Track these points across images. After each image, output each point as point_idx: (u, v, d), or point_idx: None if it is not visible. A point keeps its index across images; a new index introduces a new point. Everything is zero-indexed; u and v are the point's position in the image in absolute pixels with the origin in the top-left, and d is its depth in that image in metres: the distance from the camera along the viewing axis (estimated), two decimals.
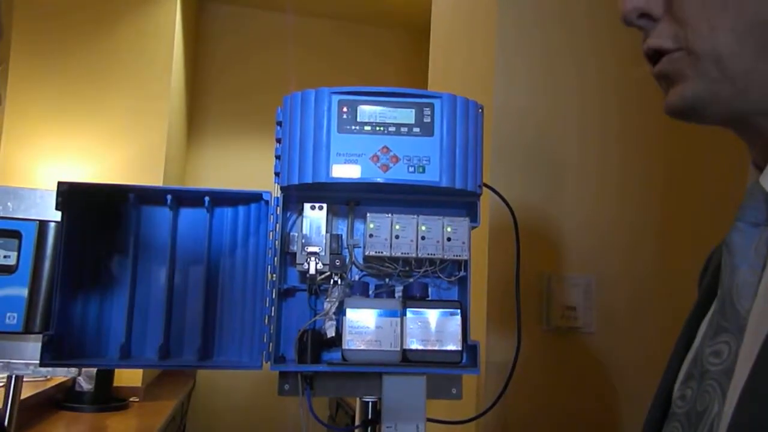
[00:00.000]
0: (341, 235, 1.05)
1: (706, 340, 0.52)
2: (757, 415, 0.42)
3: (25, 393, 1.86)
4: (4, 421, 1.39)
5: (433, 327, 0.97)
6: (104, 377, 2.50)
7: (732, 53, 0.48)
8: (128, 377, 2.75)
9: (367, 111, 0.97)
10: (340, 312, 0.98)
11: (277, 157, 1.00)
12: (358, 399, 1.05)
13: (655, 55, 0.53)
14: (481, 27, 1.65)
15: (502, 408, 1.37)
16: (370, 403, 1.02)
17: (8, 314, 1.17)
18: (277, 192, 1.02)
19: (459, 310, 0.98)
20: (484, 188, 1.03)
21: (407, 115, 0.97)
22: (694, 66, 0.50)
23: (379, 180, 0.95)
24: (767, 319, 0.44)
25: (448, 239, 1.01)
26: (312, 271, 1.00)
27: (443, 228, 1.01)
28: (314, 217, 1.02)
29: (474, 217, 1.03)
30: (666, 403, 0.56)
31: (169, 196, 1.05)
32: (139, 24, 3.10)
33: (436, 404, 1.02)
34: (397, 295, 1.04)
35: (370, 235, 1.00)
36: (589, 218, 1.52)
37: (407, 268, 1.04)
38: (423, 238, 1.01)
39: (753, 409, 0.42)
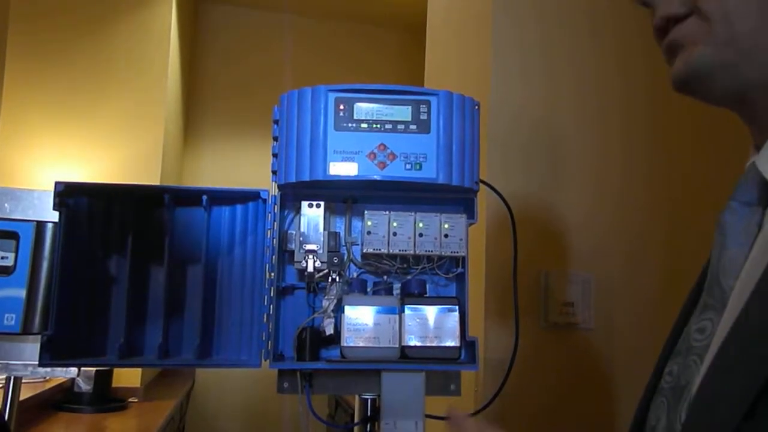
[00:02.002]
0: (339, 233, 1.05)
1: (695, 317, 0.53)
2: (720, 386, 0.43)
3: (24, 394, 1.86)
4: (4, 416, 1.39)
5: (432, 323, 0.97)
6: (103, 378, 2.51)
7: (740, 11, 0.48)
8: (127, 378, 2.75)
9: (364, 108, 0.97)
10: (339, 309, 0.98)
11: (275, 156, 1.00)
12: (357, 396, 1.05)
13: (665, 27, 0.53)
14: (477, 22, 1.65)
15: (500, 404, 1.37)
16: (369, 400, 1.03)
17: (6, 315, 1.17)
18: (274, 190, 1.02)
19: (457, 307, 0.99)
20: (481, 185, 1.03)
21: (404, 113, 0.97)
22: (704, 30, 0.50)
23: (376, 177, 0.95)
24: (746, 297, 0.45)
25: (446, 236, 1.01)
26: (310, 268, 1.00)
27: (440, 225, 1.01)
28: (312, 215, 1.02)
29: (471, 214, 1.03)
30: (659, 378, 0.57)
31: (166, 196, 1.05)
32: (135, 24, 3.10)
33: (435, 401, 1.02)
34: (395, 292, 1.04)
35: (368, 233, 1.00)
36: (588, 214, 1.53)
37: (405, 265, 1.04)
38: (420, 235, 1.01)
39: (717, 380, 0.43)
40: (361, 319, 0.96)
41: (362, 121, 0.97)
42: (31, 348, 1.36)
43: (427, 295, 1.03)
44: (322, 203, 1.03)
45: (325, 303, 1.01)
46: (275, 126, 1.01)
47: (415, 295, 1.01)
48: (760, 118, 0.52)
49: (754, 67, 0.49)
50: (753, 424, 0.39)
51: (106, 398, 2.53)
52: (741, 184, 0.51)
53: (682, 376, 0.51)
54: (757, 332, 0.42)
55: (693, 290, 0.59)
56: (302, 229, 1.01)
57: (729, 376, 0.42)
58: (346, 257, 1.05)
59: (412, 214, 1.02)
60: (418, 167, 0.96)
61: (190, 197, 1.07)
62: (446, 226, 1.01)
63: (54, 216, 1.01)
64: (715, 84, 0.51)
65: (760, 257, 0.46)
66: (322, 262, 1.00)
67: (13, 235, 1.15)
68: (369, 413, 1.02)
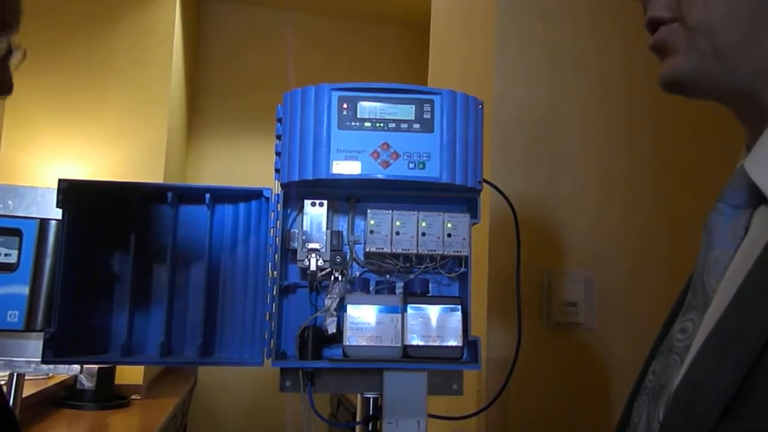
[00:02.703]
0: (342, 232, 1.05)
1: (678, 317, 0.54)
2: (698, 386, 0.43)
3: (27, 391, 1.87)
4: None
5: (434, 323, 0.97)
6: (106, 375, 2.51)
7: (725, 27, 0.48)
8: (130, 375, 2.76)
9: (367, 107, 0.97)
10: (341, 308, 0.98)
11: (278, 154, 1.00)
12: (359, 395, 1.05)
13: (653, 26, 0.54)
14: (480, 20, 1.65)
15: (503, 404, 1.37)
16: (371, 400, 1.03)
17: (9, 312, 1.17)
18: (277, 189, 1.02)
19: (460, 306, 0.99)
20: (485, 184, 1.03)
21: (407, 111, 0.97)
22: (687, 39, 0.50)
23: (380, 176, 0.95)
24: (728, 298, 0.45)
25: (449, 235, 1.01)
26: (313, 267, 1.00)
27: (444, 224, 1.01)
28: (315, 213, 1.02)
29: (474, 213, 1.03)
30: (643, 378, 0.57)
31: (169, 194, 1.05)
32: (139, 22, 3.10)
33: (437, 400, 1.02)
34: (397, 291, 1.04)
35: (371, 232, 1.00)
36: (591, 213, 1.52)
37: (408, 265, 1.04)
38: (423, 234, 1.01)
39: (695, 380, 0.44)
40: (364, 318, 0.96)
41: (365, 119, 0.96)
42: (34, 345, 1.36)
43: (430, 294, 1.03)
44: (325, 202, 1.03)
45: (327, 302, 1.01)
46: (278, 124, 1.01)
47: (417, 294, 1.01)
48: (748, 119, 0.53)
49: (736, 78, 0.50)
50: (729, 423, 0.39)
51: (108, 395, 2.54)
52: (728, 187, 0.51)
53: (662, 375, 0.51)
54: (736, 334, 0.42)
55: (681, 291, 0.59)
56: (305, 228, 1.01)
57: (707, 376, 0.43)
58: (348, 256, 1.05)
59: (415, 213, 1.01)
60: (421, 166, 0.96)
61: (193, 195, 1.07)
62: (449, 225, 1.01)
63: (57, 213, 1.01)
64: (700, 89, 0.52)
65: (745, 260, 0.46)
66: (324, 261, 1.00)
67: (17, 233, 1.15)
68: (371, 412, 1.02)
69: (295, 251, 1.02)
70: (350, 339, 0.95)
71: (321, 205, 1.02)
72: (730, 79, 0.50)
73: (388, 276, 1.05)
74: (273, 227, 1.02)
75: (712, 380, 0.42)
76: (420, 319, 0.97)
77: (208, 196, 1.05)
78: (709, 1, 0.49)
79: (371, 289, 1.03)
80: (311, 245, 1.00)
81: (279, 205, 1.02)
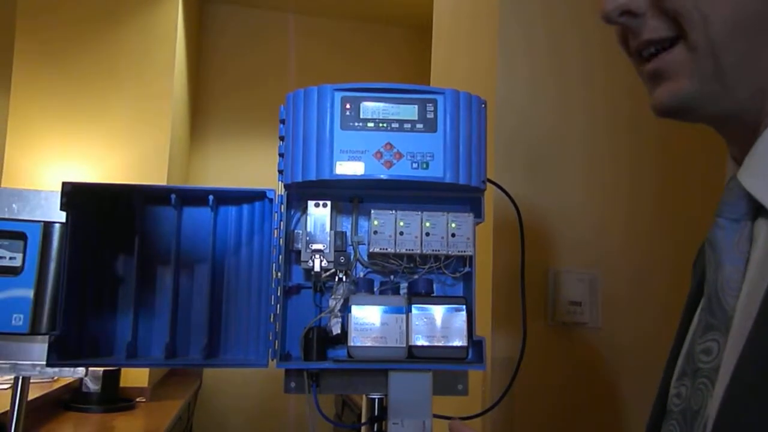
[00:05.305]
0: (345, 233, 1.05)
1: (696, 336, 0.52)
2: (741, 415, 0.42)
3: (32, 394, 1.87)
4: (11, 425, 1.39)
5: (439, 323, 0.97)
6: (111, 378, 2.51)
7: (725, 43, 0.48)
8: (134, 377, 2.76)
9: (370, 107, 0.97)
10: (346, 309, 0.98)
11: (281, 155, 1.00)
12: (364, 396, 1.05)
13: (646, 50, 0.53)
14: (484, 20, 1.64)
15: (508, 403, 1.37)
16: (377, 400, 1.02)
17: (14, 315, 1.17)
18: (281, 190, 1.02)
19: (464, 306, 0.98)
20: (489, 184, 1.03)
21: (410, 111, 0.97)
22: (691, 61, 0.49)
23: (383, 176, 0.95)
24: (751, 318, 0.44)
25: (453, 235, 1.01)
26: (317, 268, 1.00)
27: (447, 224, 1.01)
28: (318, 214, 1.02)
29: (478, 213, 1.03)
30: (665, 399, 0.56)
31: (173, 196, 1.05)
32: (141, 25, 3.10)
33: (443, 401, 1.02)
34: (402, 291, 1.04)
35: (375, 232, 1.00)
36: (595, 212, 1.52)
37: (412, 265, 1.03)
38: (427, 234, 1.00)
39: (737, 409, 0.43)
40: (368, 318, 0.96)
41: (369, 120, 0.96)
42: (39, 348, 1.36)
43: (434, 294, 1.03)
44: (328, 203, 1.02)
45: (331, 303, 1.01)
46: (281, 125, 1.00)
47: (422, 294, 1.00)
48: (737, 138, 0.52)
49: (735, 99, 0.50)
50: None
51: (113, 398, 2.54)
52: (726, 200, 0.50)
53: (692, 400, 0.50)
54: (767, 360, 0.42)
55: (688, 307, 0.58)
56: (309, 229, 1.01)
57: (748, 405, 0.42)
58: (352, 257, 1.05)
59: (419, 213, 1.01)
60: (424, 166, 0.96)
61: (196, 197, 1.07)
62: (453, 225, 1.01)
63: (61, 216, 1.02)
64: (698, 114, 0.52)
65: (759, 275, 0.46)
66: (328, 262, 1.00)
67: (21, 236, 1.15)
68: (376, 413, 1.02)
69: (298, 252, 1.02)
70: (355, 340, 0.95)
71: (324, 205, 1.02)
72: (729, 101, 0.50)
73: (392, 276, 1.05)
74: (276, 228, 1.02)
75: (754, 409, 0.41)
76: (425, 320, 0.97)
77: (211, 197, 1.05)
78: (708, 18, 0.48)
79: (375, 289, 1.03)
80: (315, 246, 1.00)
81: (282, 206, 1.02)
